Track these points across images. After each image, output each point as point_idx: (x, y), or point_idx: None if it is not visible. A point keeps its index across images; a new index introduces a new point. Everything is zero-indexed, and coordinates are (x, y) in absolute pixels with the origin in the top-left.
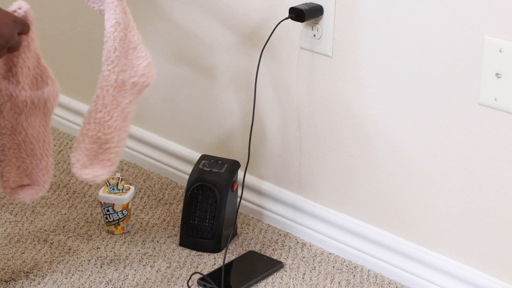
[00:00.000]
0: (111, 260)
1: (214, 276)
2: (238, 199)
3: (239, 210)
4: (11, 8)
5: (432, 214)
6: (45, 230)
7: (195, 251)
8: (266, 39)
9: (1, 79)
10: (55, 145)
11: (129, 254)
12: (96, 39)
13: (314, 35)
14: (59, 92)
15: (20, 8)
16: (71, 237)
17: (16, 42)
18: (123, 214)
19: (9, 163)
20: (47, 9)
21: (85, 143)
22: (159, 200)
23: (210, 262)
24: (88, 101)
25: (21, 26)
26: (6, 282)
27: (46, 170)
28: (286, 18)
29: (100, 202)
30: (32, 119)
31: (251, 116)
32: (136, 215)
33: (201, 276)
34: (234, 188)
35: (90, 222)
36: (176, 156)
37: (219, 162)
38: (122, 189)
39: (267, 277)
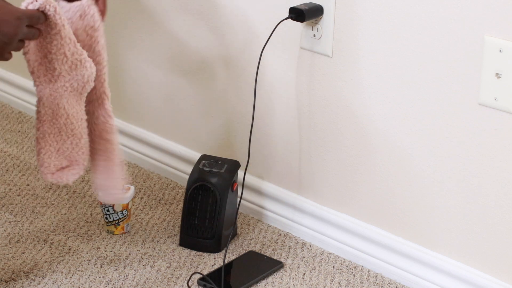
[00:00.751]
0: (111, 260)
1: (214, 276)
2: (238, 199)
3: (239, 210)
4: (27, 1)
5: (432, 214)
6: (45, 230)
7: (195, 251)
8: (266, 39)
9: (38, 65)
10: None
11: (129, 254)
12: None
13: (314, 35)
14: (95, 71)
15: (36, 0)
16: (71, 237)
17: (28, 34)
18: (123, 214)
19: (50, 148)
20: None
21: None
22: (159, 200)
23: (210, 262)
24: None
25: (29, 18)
26: (6, 282)
27: (85, 148)
28: (286, 18)
29: (100, 202)
30: (73, 101)
31: (251, 116)
32: (136, 215)
33: (201, 276)
34: (234, 188)
35: (90, 222)
36: (176, 156)
37: (219, 162)
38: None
39: (267, 277)
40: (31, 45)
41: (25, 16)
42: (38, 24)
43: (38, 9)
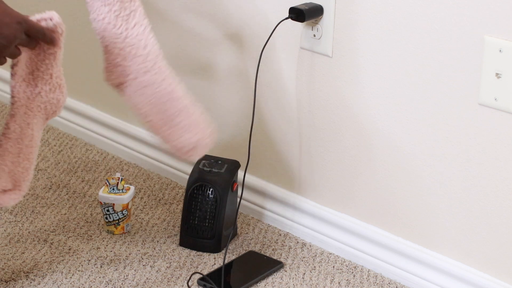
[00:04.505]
0: (111, 260)
1: (214, 276)
2: (238, 199)
3: (239, 210)
4: (41, 16)
5: (432, 214)
6: (45, 230)
7: (195, 251)
8: (266, 39)
9: (21, 81)
10: (55, 145)
11: (129, 254)
12: (95, 40)
13: (314, 35)
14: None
15: (51, 19)
16: (71, 237)
17: (25, 41)
18: (123, 214)
19: (4, 168)
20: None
21: None
22: (159, 200)
23: (210, 262)
24: (88, 101)
25: (29, 26)
26: (6, 282)
27: (31, 174)
28: (286, 18)
29: (100, 202)
30: (39, 124)
31: (251, 116)
32: (136, 215)
33: (201, 276)
34: (234, 188)
35: (90, 222)
36: (176, 156)
37: (219, 162)
38: (122, 189)
39: (267, 277)
40: (21, 57)
41: (25, 22)
42: (37, 37)
43: (47, 27)
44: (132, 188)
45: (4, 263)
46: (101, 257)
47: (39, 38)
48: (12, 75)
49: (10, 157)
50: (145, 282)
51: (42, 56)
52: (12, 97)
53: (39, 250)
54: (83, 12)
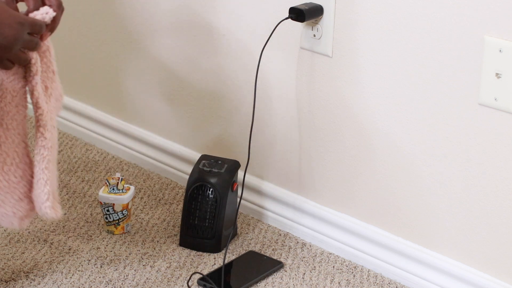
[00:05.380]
0: (111, 260)
1: (214, 276)
2: (238, 199)
3: (239, 210)
4: (38, 12)
5: (432, 214)
6: (45, 230)
7: (195, 251)
8: (266, 39)
9: (41, 90)
10: None
11: (129, 254)
12: (97, 39)
13: (314, 35)
14: None
15: (47, 13)
16: (71, 237)
17: (30, 42)
18: (123, 214)
19: (54, 181)
20: None
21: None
22: (159, 200)
23: (210, 262)
24: (88, 101)
25: (31, 26)
26: (6, 282)
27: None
28: (286, 18)
29: (100, 202)
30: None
31: (251, 116)
32: (136, 215)
33: (201, 276)
34: (234, 188)
35: (90, 222)
36: (176, 156)
37: (219, 162)
38: (122, 189)
39: (267, 277)
40: (39, 66)
41: (27, 22)
42: (40, 33)
43: (43, 20)
44: (132, 188)
45: (4, 263)
46: (101, 257)
47: (41, 34)
48: (34, 86)
49: (52, 166)
50: (145, 282)
51: (41, 58)
52: (39, 108)
53: (39, 250)
54: (83, 12)
